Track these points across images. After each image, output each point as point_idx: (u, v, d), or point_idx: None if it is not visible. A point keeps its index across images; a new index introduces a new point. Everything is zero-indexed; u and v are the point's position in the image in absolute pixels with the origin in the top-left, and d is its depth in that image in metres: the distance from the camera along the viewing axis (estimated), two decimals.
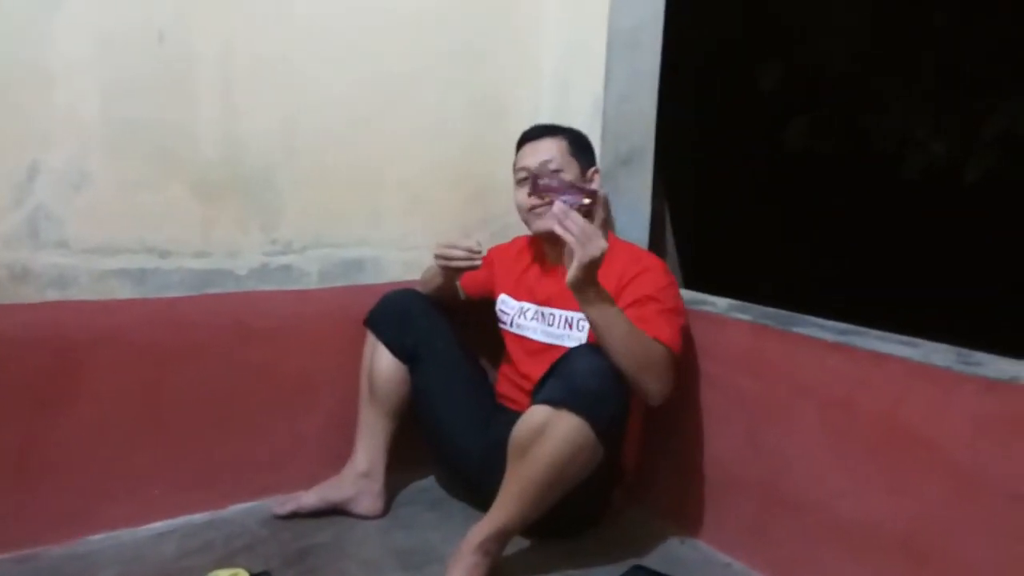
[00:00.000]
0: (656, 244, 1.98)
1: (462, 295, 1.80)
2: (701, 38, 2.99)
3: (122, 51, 1.49)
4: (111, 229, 1.52)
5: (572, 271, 1.31)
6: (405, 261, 1.87)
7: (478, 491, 1.60)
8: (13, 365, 1.44)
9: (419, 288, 1.76)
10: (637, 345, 1.38)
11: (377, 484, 1.67)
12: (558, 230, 1.30)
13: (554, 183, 1.50)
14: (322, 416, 1.77)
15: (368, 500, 1.65)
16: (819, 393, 1.43)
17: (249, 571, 1.34)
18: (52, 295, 1.47)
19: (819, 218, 3.62)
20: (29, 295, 1.45)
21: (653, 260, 1.61)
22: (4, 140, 1.40)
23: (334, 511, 1.64)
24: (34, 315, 1.45)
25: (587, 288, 1.34)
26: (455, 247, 1.53)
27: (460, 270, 1.57)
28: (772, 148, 3.58)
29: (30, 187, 1.44)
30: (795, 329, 1.49)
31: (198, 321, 1.62)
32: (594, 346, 1.42)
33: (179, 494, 1.62)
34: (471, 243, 1.52)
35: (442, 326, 1.74)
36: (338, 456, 1.70)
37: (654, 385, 1.40)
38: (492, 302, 1.79)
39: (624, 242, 1.70)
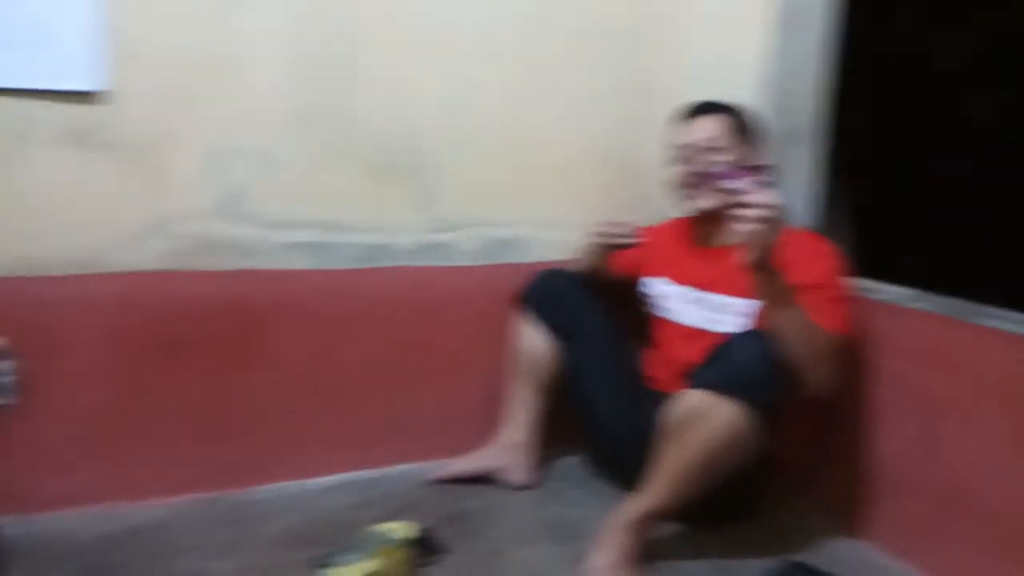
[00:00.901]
0: (824, 227, 1.87)
1: (611, 275, 1.80)
2: (876, 8, 2.77)
3: (307, 41, 1.61)
4: (294, 205, 1.65)
5: (753, 253, 1.27)
6: (555, 241, 1.89)
7: (624, 472, 1.60)
8: (206, 326, 1.60)
9: (572, 267, 1.78)
10: (808, 333, 1.32)
11: (528, 457, 1.71)
12: (737, 217, 1.26)
13: (722, 169, 1.47)
14: (475, 388, 1.84)
15: (519, 472, 1.70)
16: (1006, 391, 1.30)
17: (416, 523, 1.42)
18: (243, 264, 1.62)
19: (1009, 205, 3.27)
20: (224, 263, 1.61)
21: (821, 244, 1.53)
22: (208, 124, 1.56)
23: (486, 479, 1.71)
24: (227, 281, 1.61)
25: (765, 270, 1.30)
26: (616, 224, 1.53)
27: (617, 247, 1.57)
28: (956, 126, 3.26)
29: (228, 167, 1.59)
30: (982, 321, 1.36)
31: (366, 292, 1.73)
32: (758, 332, 1.37)
33: (344, 452, 1.74)
34: (630, 221, 1.52)
35: (593, 306, 1.75)
36: (490, 427, 1.76)
37: (822, 375, 1.34)
38: (639, 283, 1.78)
39: (789, 226, 1.62)
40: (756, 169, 1.41)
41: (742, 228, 1.25)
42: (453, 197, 1.80)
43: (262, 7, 1.57)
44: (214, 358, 1.61)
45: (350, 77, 1.66)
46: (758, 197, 1.24)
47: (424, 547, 1.40)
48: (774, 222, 1.24)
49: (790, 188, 1.79)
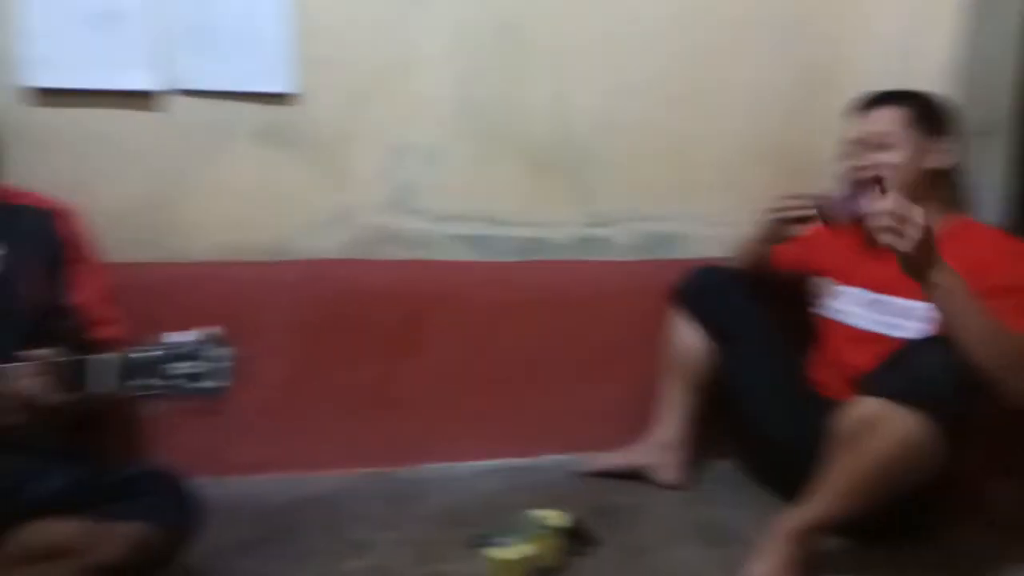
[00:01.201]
0: (1018, 227, 1.71)
1: (774, 272, 1.73)
2: None
3: (474, 41, 1.68)
4: (458, 199, 1.73)
5: (904, 262, 1.19)
6: (714, 237, 1.85)
7: (785, 479, 1.54)
8: (379, 311, 1.71)
9: (732, 264, 1.73)
10: (996, 338, 1.22)
11: (679, 456, 1.69)
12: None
13: (835, 202, 1.41)
14: (627, 384, 1.84)
15: (670, 470, 1.69)
16: None
17: (569, 512, 1.44)
18: (413, 254, 1.72)
19: None
20: (395, 254, 1.71)
21: (1015, 244, 1.40)
22: (384, 123, 1.66)
23: (635, 476, 1.71)
24: (399, 270, 1.71)
25: (928, 274, 1.21)
26: (795, 197, 1.47)
27: (791, 227, 1.50)
28: None
29: (399, 162, 1.69)
30: None
31: (524, 284, 1.77)
32: (940, 338, 1.28)
33: (497, 439, 1.80)
34: (810, 194, 1.47)
35: (753, 305, 1.69)
36: (641, 424, 1.76)
37: (1017, 384, 1.23)
38: (805, 283, 1.70)
39: (980, 224, 1.50)
40: (875, 182, 1.34)
41: (883, 241, 1.18)
42: (611, 191, 1.80)
43: (434, 13, 1.65)
44: (384, 341, 1.72)
45: (514, 75, 1.71)
46: (880, 212, 1.17)
47: (576, 537, 1.42)
48: (909, 227, 1.16)
49: (982, 185, 1.65)
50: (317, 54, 1.59)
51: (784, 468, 1.55)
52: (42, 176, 1.45)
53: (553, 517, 1.39)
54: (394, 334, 1.72)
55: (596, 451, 1.78)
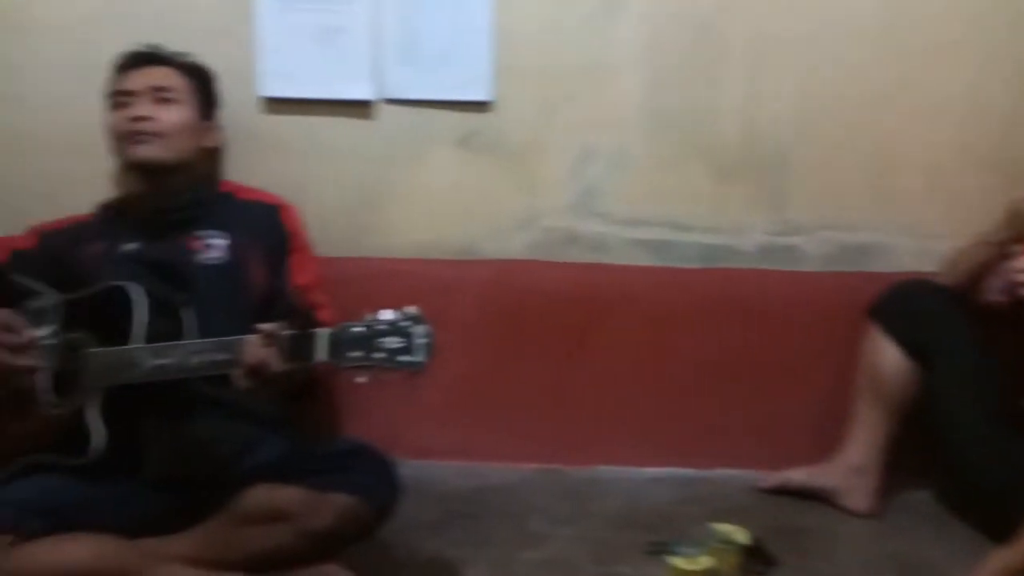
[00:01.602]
0: None
1: (990, 295, 1.58)
2: None
3: (667, 44, 1.67)
4: (641, 203, 1.73)
5: None
6: (919, 250, 1.72)
7: (990, 516, 1.41)
8: (556, 312, 1.75)
9: (939, 280, 1.60)
10: None
11: (870, 481, 1.59)
12: None
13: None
14: (811, 401, 1.75)
15: (859, 496, 1.59)
16: None
17: (749, 529, 1.40)
18: (594, 257, 1.74)
19: None
20: (576, 256, 1.74)
21: None
22: (573, 128, 1.70)
23: (818, 498, 1.62)
24: (580, 273, 1.74)
25: None
26: None
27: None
28: None
29: (584, 166, 1.72)
30: None
31: (705, 292, 1.74)
32: None
33: (672, 447, 1.78)
34: None
35: (961, 325, 1.55)
36: (824, 443, 1.67)
37: None
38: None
39: None
40: None
41: None
42: (803, 198, 1.73)
43: (628, 19, 1.66)
44: (563, 341, 1.75)
45: (706, 77, 1.69)
46: None
47: (757, 556, 1.38)
48: None
49: None
50: (512, 63, 1.66)
51: (990, 503, 1.42)
52: (267, 176, 1.62)
53: (735, 532, 1.36)
54: (573, 335, 1.75)
55: (772, 469, 1.71)
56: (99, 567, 1.11)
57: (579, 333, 1.76)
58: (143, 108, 1.43)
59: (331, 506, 1.18)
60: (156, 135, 1.42)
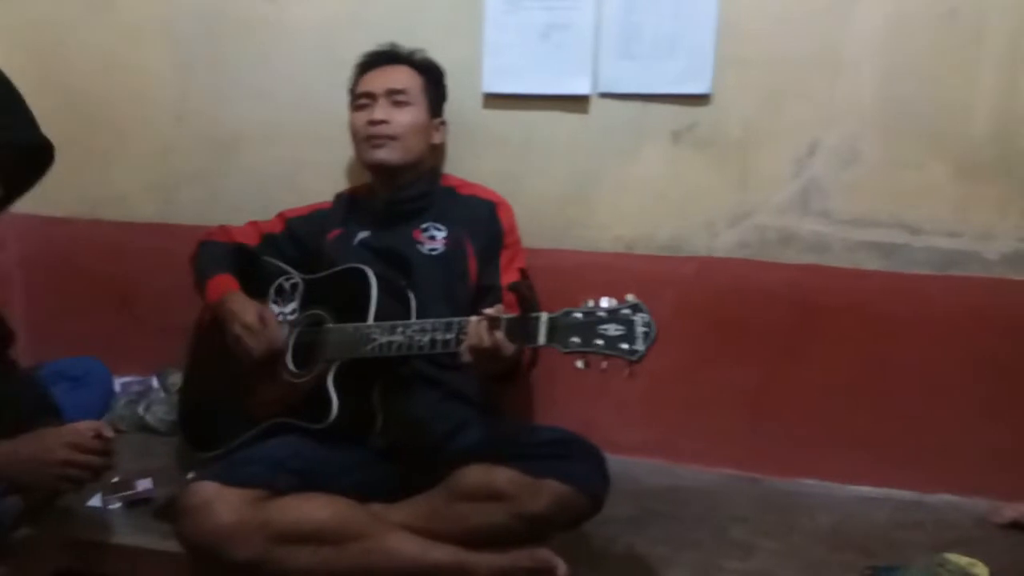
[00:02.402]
0: None
1: None
2: None
3: (910, 32, 1.54)
4: (870, 203, 1.61)
5: None
6: None
7: None
8: (763, 314, 1.67)
9: None
10: None
11: None
12: None
13: None
14: None
15: None
16: None
17: (986, 565, 1.28)
18: (809, 259, 1.65)
19: None
20: (789, 256, 1.66)
21: None
22: (795, 122, 1.61)
23: None
24: (793, 274, 1.65)
25: None
26: None
27: None
28: None
29: (808, 162, 1.62)
30: None
31: (938, 301, 1.59)
32: None
33: (889, 467, 1.65)
34: None
35: None
36: None
37: None
38: None
39: None
40: None
41: None
42: None
43: (865, 7, 1.55)
44: (772, 346, 1.68)
45: (951, 67, 1.53)
46: None
47: None
48: None
49: None
50: (735, 54, 1.60)
51: None
52: (484, 170, 1.69)
53: (975, 566, 1.24)
54: (783, 339, 1.67)
55: (1004, 500, 1.54)
56: (337, 526, 1.22)
57: (789, 338, 1.67)
58: (380, 111, 1.53)
59: (547, 492, 1.21)
60: (392, 138, 1.52)
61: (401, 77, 1.56)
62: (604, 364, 1.11)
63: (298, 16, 1.77)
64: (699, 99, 1.63)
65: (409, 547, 1.23)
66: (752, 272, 1.67)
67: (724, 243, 1.68)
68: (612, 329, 1.10)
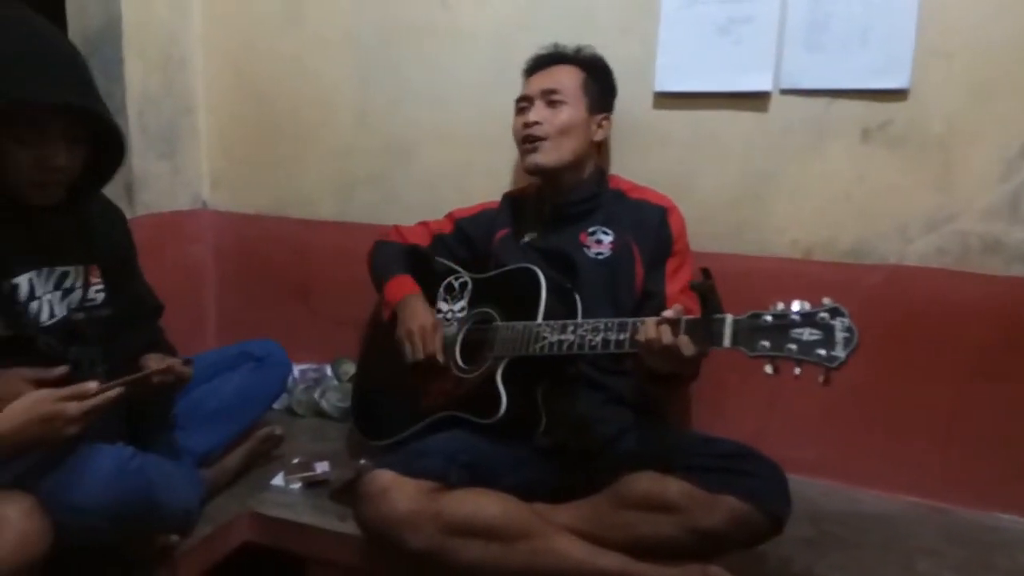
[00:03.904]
0: None
1: None
2: None
3: None
4: None
5: None
6: None
7: None
8: (961, 330, 1.52)
9: None
10: None
11: None
12: None
13: None
14: None
15: None
16: None
17: None
18: (1016, 270, 1.49)
19: None
20: (995, 267, 1.50)
21: None
22: (1002, 117, 1.46)
23: None
24: (995, 287, 1.50)
25: None
26: None
27: None
28: None
29: (1019, 163, 1.46)
30: None
31: None
32: None
33: None
34: None
35: None
36: None
37: None
38: None
39: None
40: None
41: None
42: None
43: None
44: (968, 365, 1.53)
45: None
46: None
47: None
48: None
49: None
50: (937, 45, 1.47)
51: None
52: (652, 170, 1.65)
53: None
54: (982, 359, 1.52)
55: None
56: (507, 523, 1.22)
57: (990, 357, 1.51)
58: (535, 113, 1.52)
59: (723, 508, 1.17)
60: (544, 139, 1.50)
61: (557, 77, 1.54)
62: (797, 370, 1.04)
63: (471, 22, 1.81)
64: (895, 94, 1.50)
65: (576, 551, 1.22)
66: (950, 283, 1.52)
67: (918, 250, 1.55)
68: (807, 334, 1.04)
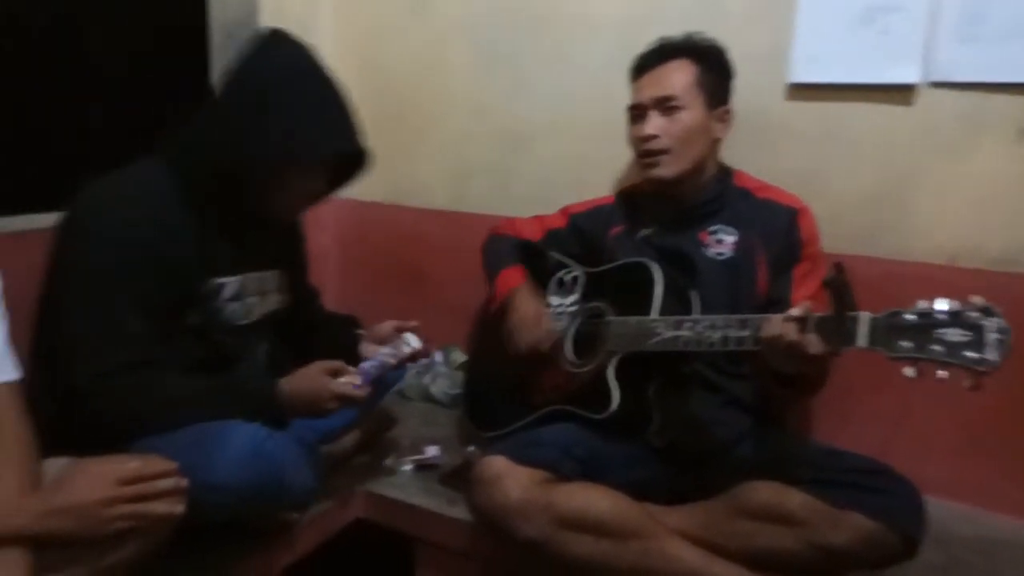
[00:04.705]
0: None
1: None
2: None
3: None
4: None
5: None
6: None
7: None
8: None
9: None
10: None
11: None
12: None
13: None
14: None
15: None
16: None
17: None
18: None
19: None
20: None
21: None
22: None
23: None
24: None
25: None
26: None
27: None
28: None
29: None
30: None
31: None
32: None
33: None
34: None
35: None
36: None
37: None
38: None
39: None
40: None
41: None
42: None
43: None
44: None
45: None
46: None
47: None
48: None
49: None
50: None
51: None
52: (782, 167, 1.57)
53: None
54: None
55: None
56: (618, 520, 1.21)
57: None
58: (651, 125, 1.43)
59: (850, 525, 1.11)
60: (664, 152, 1.42)
61: (669, 80, 1.43)
62: (942, 373, 0.96)
63: (597, 11, 1.79)
64: None
65: (689, 556, 1.19)
66: None
67: None
68: (954, 334, 0.96)
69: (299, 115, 1.20)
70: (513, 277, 1.57)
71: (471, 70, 1.97)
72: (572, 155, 1.86)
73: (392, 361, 1.35)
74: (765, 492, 1.19)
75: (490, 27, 1.92)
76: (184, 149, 1.26)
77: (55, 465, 1.02)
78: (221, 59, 1.90)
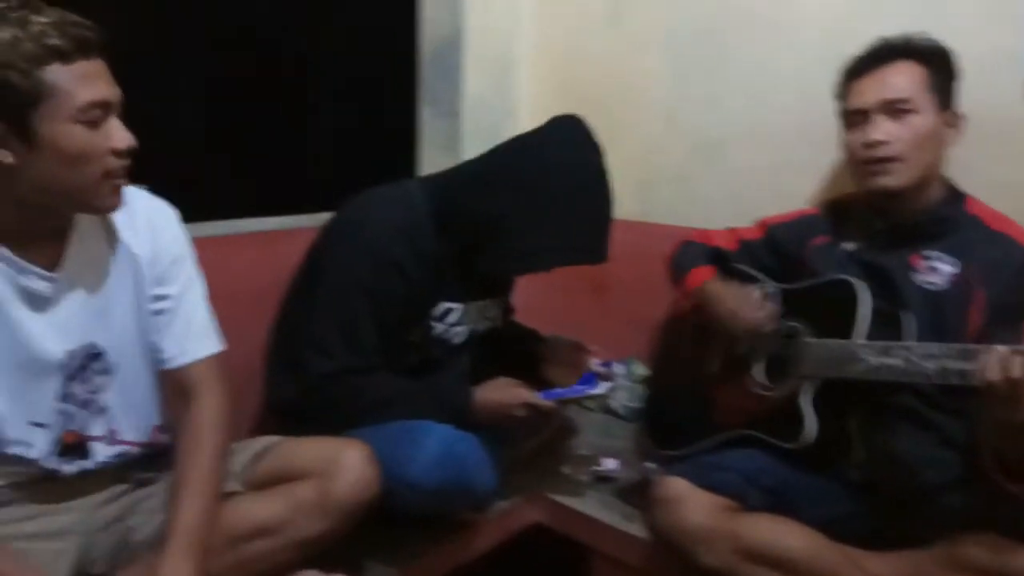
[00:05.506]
0: None
1: None
2: None
3: None
4: None
5: None
6: None
7: None
8: None
9: None
10: None
11: None
12: None
13: None
14: None
15: None
16: None
17: None
18: None
19: None
20: None
21: None
22: None
23: None
24: None
25: None
26: None
27: None
28: None
29: None
30: None
31: None
32: None
33: None
34: None
35: None
36: None
37: None
38: None
39: None
40: None
41: None
42: None
43: None
44: None
45: None
46: None
47: None
48: None
49: None
50: None
51: None
52: (1017, 180, 1.40)
53: None
54: None
55: None
56: (811, 560, 1.13)
57: None
58: (878, 130, 1.29)
59: None
60: (896, 159, 1.28)
61: (898, 81, 1.30)
62: None
63: (804, 12, 1.68)
64: None
65: None
66: None
67: None
68: None
69: (571, 231, 1.33)
70: (705, 273, 1.50)
71: (663, 78, 1.93)
72: (769, 163, 1.77)
73: (574, 396, 1.42)
74: (986, 548, 1.06)
75: (684, 34, 1.87)
76: (449, 193, 1.39)
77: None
78: (429, 76, 2.03)
